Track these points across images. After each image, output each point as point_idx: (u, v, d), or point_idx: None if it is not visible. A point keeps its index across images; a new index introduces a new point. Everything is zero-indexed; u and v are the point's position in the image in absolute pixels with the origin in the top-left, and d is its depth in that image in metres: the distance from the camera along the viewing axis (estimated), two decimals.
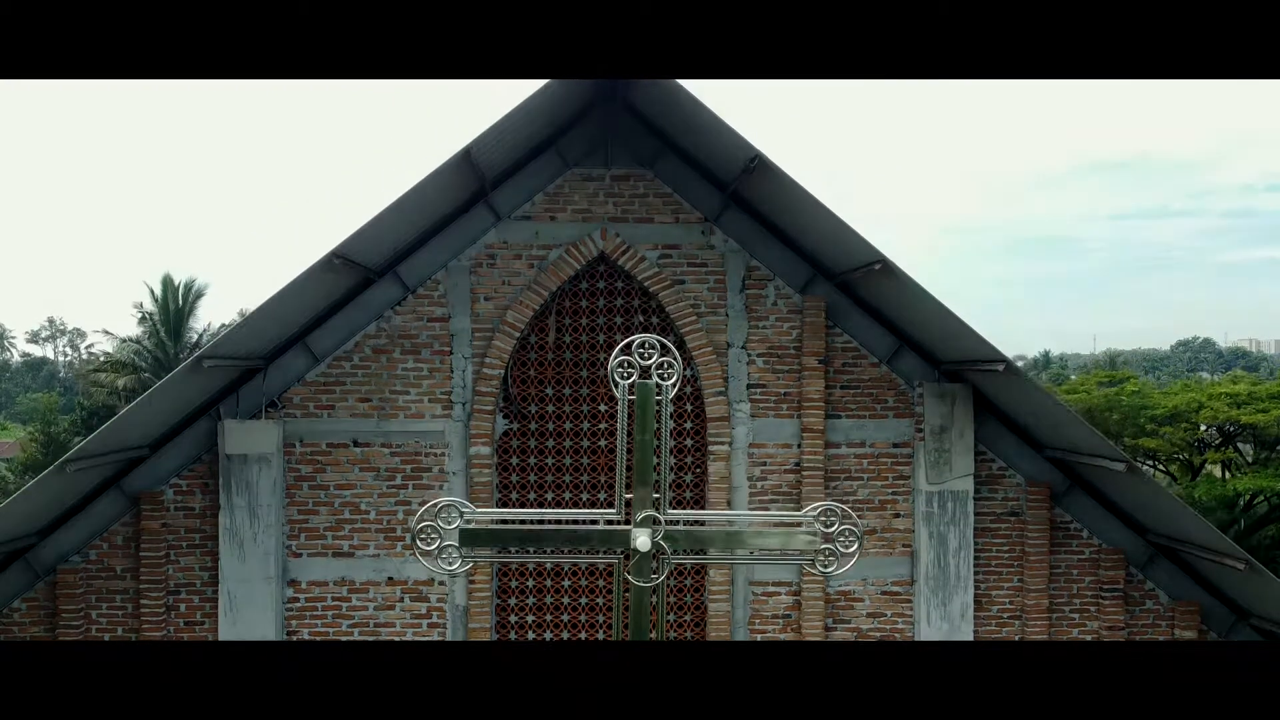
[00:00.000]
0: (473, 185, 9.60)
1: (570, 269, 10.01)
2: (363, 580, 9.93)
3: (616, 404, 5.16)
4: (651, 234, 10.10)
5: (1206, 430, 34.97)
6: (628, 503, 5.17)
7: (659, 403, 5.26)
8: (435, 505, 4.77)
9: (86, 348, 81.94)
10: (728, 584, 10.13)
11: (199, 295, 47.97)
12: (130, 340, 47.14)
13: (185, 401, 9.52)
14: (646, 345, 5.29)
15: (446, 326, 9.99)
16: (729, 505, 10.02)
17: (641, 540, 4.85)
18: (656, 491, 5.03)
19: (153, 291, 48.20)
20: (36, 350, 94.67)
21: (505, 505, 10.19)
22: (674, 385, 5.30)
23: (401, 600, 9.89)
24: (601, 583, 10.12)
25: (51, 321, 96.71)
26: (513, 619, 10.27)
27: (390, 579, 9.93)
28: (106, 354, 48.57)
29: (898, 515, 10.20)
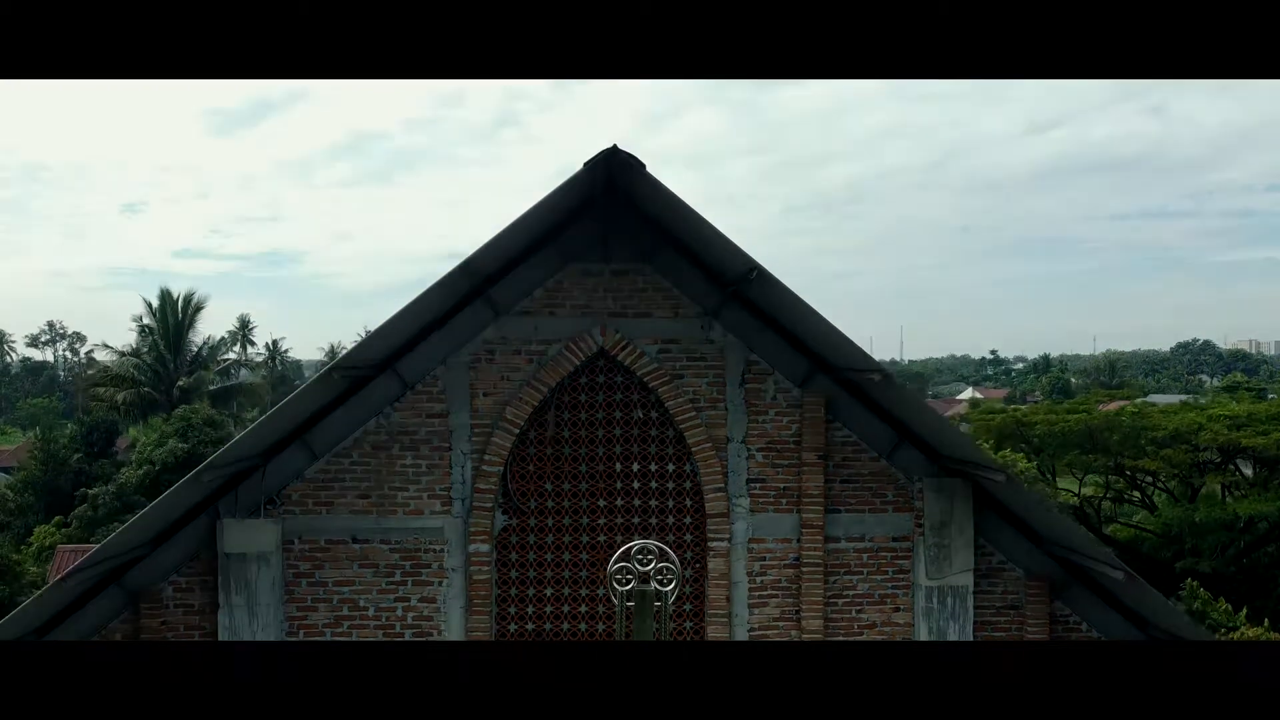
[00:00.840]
0: (471, 284, 9.59)
1: (569, 365, 9.99)
2: None
3: (614, 605, 5.13)
4: (651, 328, 10.08)
5: (1206, 450, 34.98)
6: None
7: (658, 610, 5.22)
8: None
9: (87, 353, 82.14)
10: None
11: (198, 309, 48.00)
12: (129, 355, 47.10)
13: (185, 500, 9.51)
14: (645, 551, 5.27)
15: (445, 422, 9.97)
16: (728, 602, 10.03)
17: None
18: None
19: (150, 305, 48.16)
20: (36, 354, 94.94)
21: (504, 601, 10.19)
22: (673, 591, 5.27)
23: None
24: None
25: (51, 325, 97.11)
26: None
27: None
28: (105, 368, 48.53)
29: (897, 610, 10.19)
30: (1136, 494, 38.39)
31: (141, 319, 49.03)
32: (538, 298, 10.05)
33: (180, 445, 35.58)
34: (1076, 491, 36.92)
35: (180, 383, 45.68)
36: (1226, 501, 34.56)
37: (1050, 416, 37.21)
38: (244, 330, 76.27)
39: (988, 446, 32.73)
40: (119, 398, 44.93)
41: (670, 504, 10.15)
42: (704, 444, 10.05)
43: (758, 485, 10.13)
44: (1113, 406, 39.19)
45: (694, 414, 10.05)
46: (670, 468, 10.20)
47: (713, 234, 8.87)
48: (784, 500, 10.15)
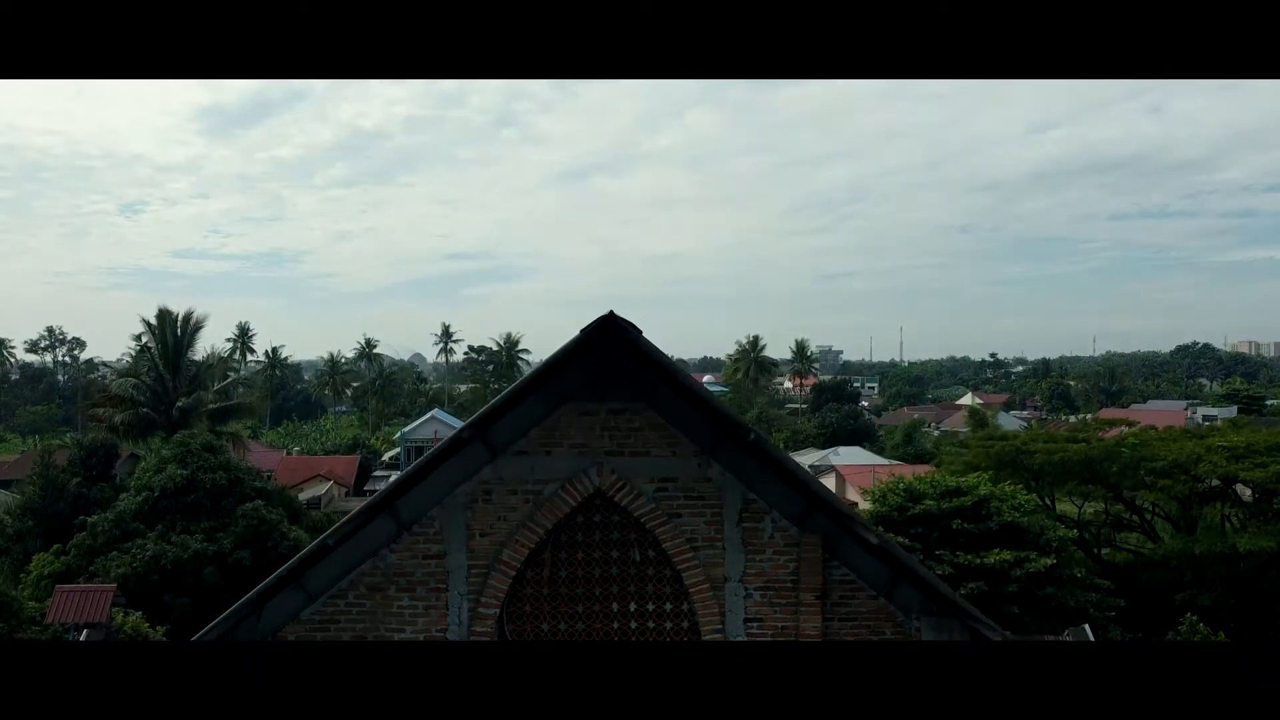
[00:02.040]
0: (470, 430, 9.56)
1: (566, 506, 9.96)
2: None
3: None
4: (648, 467, 10.04)
5: (1205, 481, 34.98)
6: None
7: None
8: None
9: (86, 360, 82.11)
10: None
11: (198, 327, 47.93)
12: (128, 376, 47.00)
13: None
14: None
15: (442, 564, 9.94)
16: None
17: None
18: None
19: (149, 324, 48.08)
20: (35, 359, 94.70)
21: None
22: None
23: None
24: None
25: (51, 331, 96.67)
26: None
27: None
28: (104, 388, 48.49)
29: None
30: (1135, 519, 38.44)
31: (141, 338, 48.95)
32: (534, 437, 10.01)
33: (179, 471, 35.63)
34: (1076, 518, 36.96)
35: (179, 403, 45.62)
36: (1226, 531, 34.58)
37: (1050, 445, 37.21)
38: (243, 338, 76.27)
39: (987, 476, 32.75)
40: (117, 419, 44.90)
41: None
42: (701, 584, 10.02)
43: (755, 624, 10.10)
44: (1112, 434, 39.10)
45: (691, 554, 10.02)
46: (668, 607, 10.17)
47: (707, 395, 8.84)
48: (782, 640, 10.12)
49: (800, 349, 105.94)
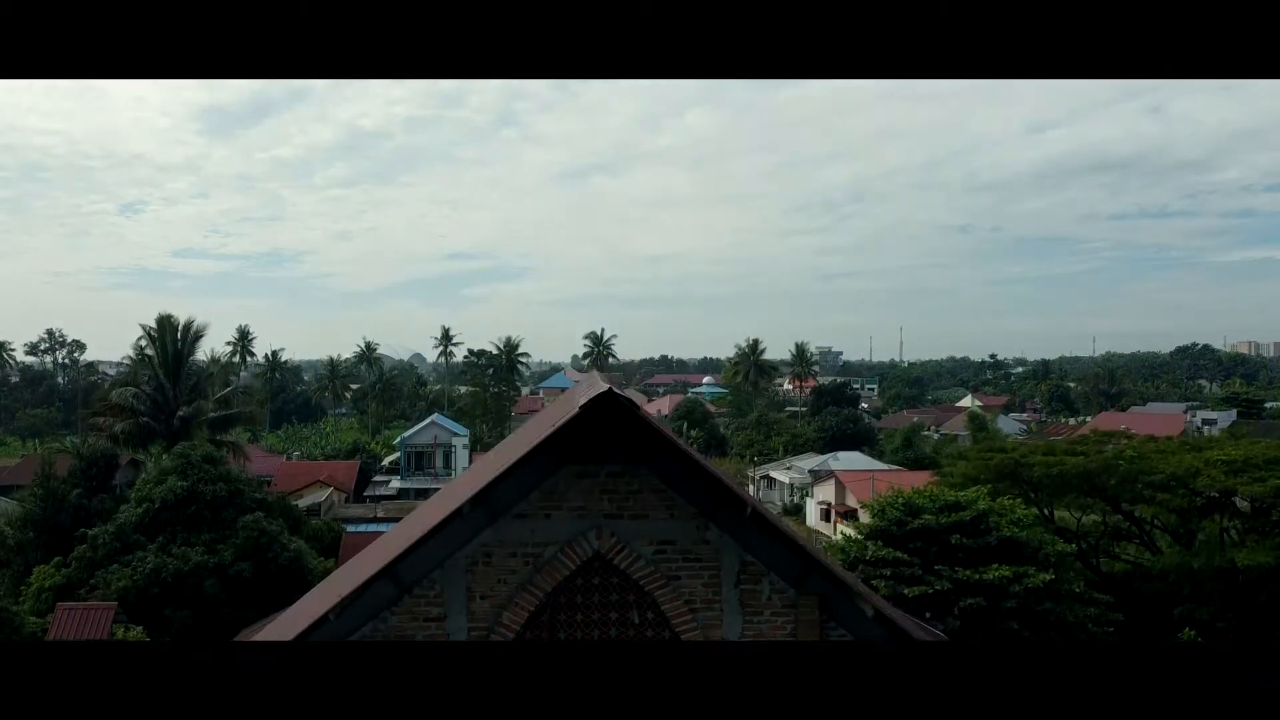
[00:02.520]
0: (469, 505, 9.63)
1: (566, 569, 10.03)
2: None
3: None
4: (647, 530, 10.10)
5: (1202, 495, 35.00)
6: None
7: None
8: None
9: (86, 364, 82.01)
10: None
11: (198, 336, 47.93)
12: (128, 385, 46.98)
13: None
14: None
15: (443, 626, 10.00)
16: None
17: None
18: None
19: (150, 332, 48.07)
20: (35, 361, 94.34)
21: None
22: None
23: None
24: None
25: (51, 334, 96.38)
26: None
27: None
28: (103, 395, 48.46)
29: None
30: (1134, 529, 38.48)
31: (141, 343, 48.92)
32: (534, 500, 10.07)
33: (179, 483, 35.67)
34: (1074, 529, 37.00)
35: (179, 412, 45.63)
36: (1225, 545, 34.61)
37: (1048, 458, 37.25)
38: (243, 341, 76.11)
39: (985, 490, 32.82)
40: (117, 428, 44.88)
41: None
42: None
43: None
44: (1110, 452, 39.10)
45: (690, 615, 10.09)
46: None
47: (704, 463, 8.89)
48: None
49: (800, 351, 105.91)
